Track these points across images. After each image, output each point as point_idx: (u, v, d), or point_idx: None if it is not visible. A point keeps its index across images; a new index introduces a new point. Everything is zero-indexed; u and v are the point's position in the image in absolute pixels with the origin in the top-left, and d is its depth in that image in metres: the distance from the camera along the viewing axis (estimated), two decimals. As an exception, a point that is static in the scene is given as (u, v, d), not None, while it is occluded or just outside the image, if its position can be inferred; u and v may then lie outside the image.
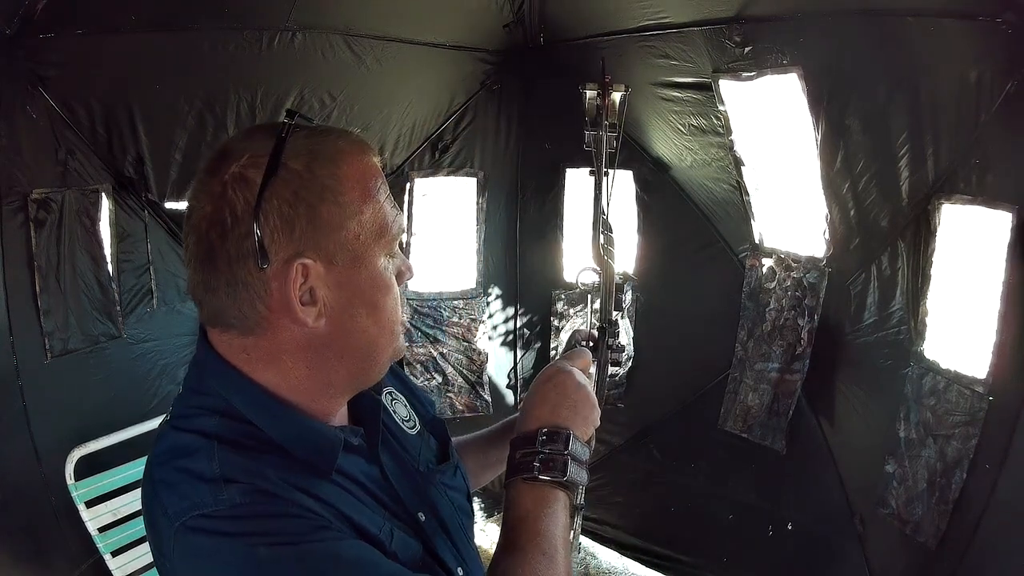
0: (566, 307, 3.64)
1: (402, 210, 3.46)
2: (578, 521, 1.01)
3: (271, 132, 0.75)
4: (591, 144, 1.26)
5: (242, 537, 0.69)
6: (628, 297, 3.47)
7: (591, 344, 1.13)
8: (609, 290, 1.17)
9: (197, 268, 0.75)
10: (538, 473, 0.86)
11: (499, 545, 0.84)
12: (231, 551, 0.69)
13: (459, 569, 0.90)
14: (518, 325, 3.78)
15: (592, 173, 1.26)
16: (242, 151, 0.74)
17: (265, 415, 0.77)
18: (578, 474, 0.88)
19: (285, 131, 0.74)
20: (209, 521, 0.69)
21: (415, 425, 0.99)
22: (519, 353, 3.81)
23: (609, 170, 1.24)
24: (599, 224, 1.19)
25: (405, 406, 1.01)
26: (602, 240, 1.19)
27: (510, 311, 3.77)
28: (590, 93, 1.26)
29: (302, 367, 0.78)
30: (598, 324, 1.16)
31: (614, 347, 1.13)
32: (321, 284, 0.75)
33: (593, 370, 1.09)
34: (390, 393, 1.00)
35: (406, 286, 3.52)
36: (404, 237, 3.52)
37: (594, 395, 0.97)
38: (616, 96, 1.27)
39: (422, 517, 0.88)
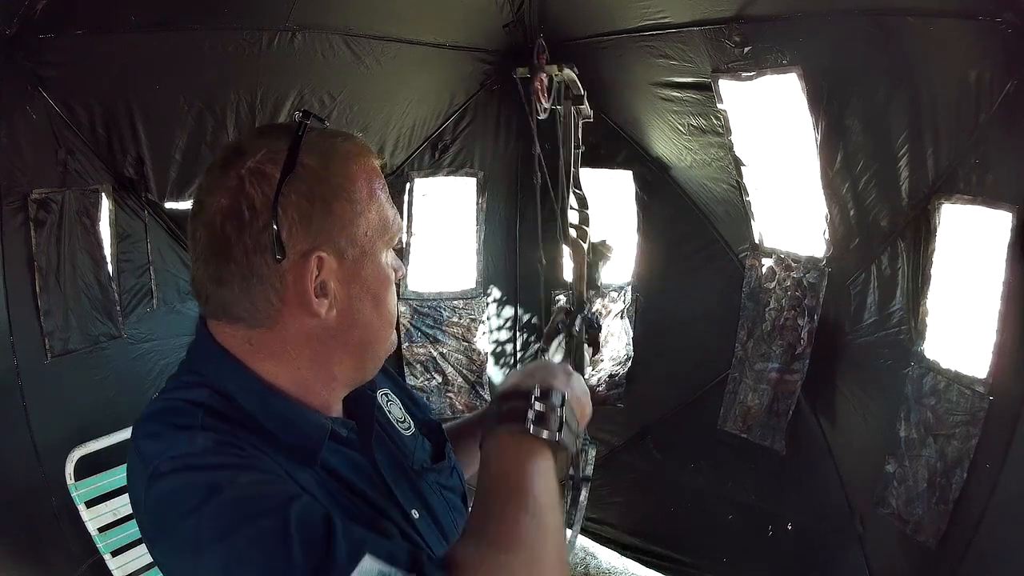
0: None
1: (402, 210, 3.50)
2: (584, 494, 1.00)
3: (284, 131, 0.77)
4: (546, 113, 1.29)
5: (212, 470, 0.69)
6: (628, 297, 3.47)
7: (571, 317, 1.13)
8: (580, 270, 1.15)
9: (209, 261, 0.76)
10: (531, 426, 0.80)
11: (475, 506, 0.76)
12: (199, 480, 0.69)
13: None
14: (518, 325, 3.78)
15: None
16: (257, 148, 0.76)
17: (256, 400, 0.78)
18: (571, 440, 0.82)
19: (301, 129, 0.76)
20: (182, 460, 0.70)
21: (410, 427, 1.00)
22: (519, 353, 3.81)
23: (575, 148, 1.26)
24: (566, 200, 1.19)
25: (400, 408, 1.02)
26: (577, 218, 1.17)
27: (510, 311, 3.77)
28: (521, 69, 1.31)
29: (306, 359, 0.80)
30: (574, 303, 1.16)
31: (593, 324, 1.12)
32: (332, 277, 0.78)
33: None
34: (385, 395, 1.00)
35: (405, 286, 3.55)
36: (404, 236, 3.53)
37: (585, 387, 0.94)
38: (546, 75, 1.29)
39: (415, 514, 0.88)
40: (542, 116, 1.32)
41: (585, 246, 1.17)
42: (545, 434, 0.80)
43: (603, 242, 1.19)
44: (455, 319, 3.64)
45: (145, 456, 0.73)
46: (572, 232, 1.18)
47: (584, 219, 1.19)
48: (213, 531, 0.65)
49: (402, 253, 3.54)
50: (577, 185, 1.25)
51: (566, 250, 1.22)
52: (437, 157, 3.52)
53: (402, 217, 3.50)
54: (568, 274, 1.28)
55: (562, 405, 0.83)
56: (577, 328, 1.13)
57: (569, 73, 1.31)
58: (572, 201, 1.22)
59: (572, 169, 1.24)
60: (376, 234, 0.81)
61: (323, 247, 0.76)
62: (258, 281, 0.75)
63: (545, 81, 1.28)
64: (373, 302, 0.82)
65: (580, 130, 1.34)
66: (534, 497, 0.74)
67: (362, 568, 0.63)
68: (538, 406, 0.81)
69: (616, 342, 3.50)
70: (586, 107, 1.33)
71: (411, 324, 3.56)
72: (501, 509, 0.73)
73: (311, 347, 0.79)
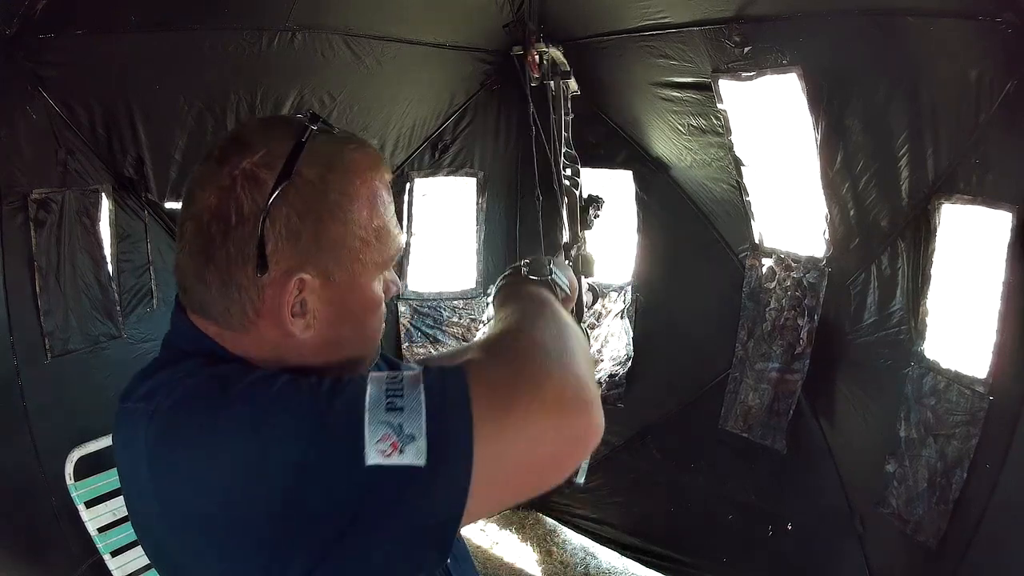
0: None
1: (401, 210, 3.50)
2: None
3: (290, 130, 0.73)
4: (536, 82, 1.64)
5: (220, 368, 0.70)
6: (628, 297, 3.47)
7: (567, 254, 1.35)
8: (574, 212, 1.40)
9: (193, 256, 0.73)
10: (526, 274, 0.97)
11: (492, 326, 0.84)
12: (213, 374, 0.68)
13: (447, 560, 0.88)
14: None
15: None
16: (259, 145, 0.71)
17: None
18: (563, 284, 0.99)
19: (305, 136, 0.72)
20: (188, 372, 0.69)
21: None
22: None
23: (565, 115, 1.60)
24: (559, 154, 1.47)
25: None
26: (568, 171, 1.46)
27: (510, 311, 3.76)
28: (516, 47, 1.68)
29: (276, 368, 0.76)
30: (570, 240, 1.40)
31: (589, 259, 1.35)
32: (314, 297, 0.73)
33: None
34: None
35: (405, 286, 3.55)
36: (404, 237, 3.53)
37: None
38: (543, 53, 1.65)
39: None
40: (533, 84, 1.69)
41: (577, 193, 1.43)
42: (538, 277, 0.97)
43: (590, 195, 1.44)
44: (455, 319, 3.64)
45: (148, 395, 0.69)
46: (566, 182, 1.46)
47: (575, 172, 1.46)
48: (236, 410, 0.65)
49: (402, 253, 3.54)
50: (569, 146, 1.57)
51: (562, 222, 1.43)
52: (437, 157, 3.52)
53: (402, 217, 3.53)
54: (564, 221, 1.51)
55: (551, 264, 1.00)
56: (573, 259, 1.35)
57: (555, 52, 1.66)
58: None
59: (565, 132, 1.57)
60: (370, 258, 0.76)
61: (308, 267, 0.72)
62: (236, 289, 0.71)
63: (536, 57, 1.64)
64: (354, 326, 0.78)
65: (569, 101, 1.66)
66: (540, 299, 0.87)
67: (370, 385, 0.65)
68: (529, 267, 0.99)
69: (616, 342, 3.50)
70: (572, 82, 1.66)
71: (411, 324, 3.56)
72: (508, 313, 0.83)
73: (282, 361, 0.75)
